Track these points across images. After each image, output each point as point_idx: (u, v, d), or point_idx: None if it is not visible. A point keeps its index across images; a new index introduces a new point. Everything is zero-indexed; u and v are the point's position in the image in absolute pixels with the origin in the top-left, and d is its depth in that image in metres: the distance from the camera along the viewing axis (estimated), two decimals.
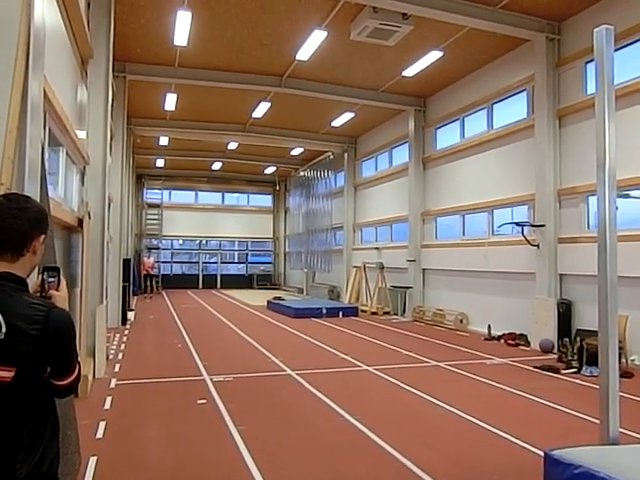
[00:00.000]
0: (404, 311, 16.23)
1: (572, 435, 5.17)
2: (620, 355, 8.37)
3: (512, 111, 12.43)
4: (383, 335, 12.25)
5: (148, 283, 23.07)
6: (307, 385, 7.21)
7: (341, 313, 16.05)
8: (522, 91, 12.01)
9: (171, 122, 18.46)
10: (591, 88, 9.91)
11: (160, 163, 25.78)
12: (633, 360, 8.68)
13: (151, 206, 28.65)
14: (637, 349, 8.75)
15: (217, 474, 4.29)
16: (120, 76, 13.23)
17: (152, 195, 28.79)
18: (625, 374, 8.04)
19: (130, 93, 14.30)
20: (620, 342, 8.02)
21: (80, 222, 7.18)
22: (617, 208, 3.60)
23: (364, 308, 17.40)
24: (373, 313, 16.80)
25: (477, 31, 10.87)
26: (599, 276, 3.62)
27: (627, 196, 3.54)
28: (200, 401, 6.33)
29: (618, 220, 3.65)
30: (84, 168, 8.23)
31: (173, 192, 29.43)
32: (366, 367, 8.48)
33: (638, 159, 8.77)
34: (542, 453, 3.50)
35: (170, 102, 15.99)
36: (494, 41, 11.54)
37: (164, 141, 21.03)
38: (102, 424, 5.34)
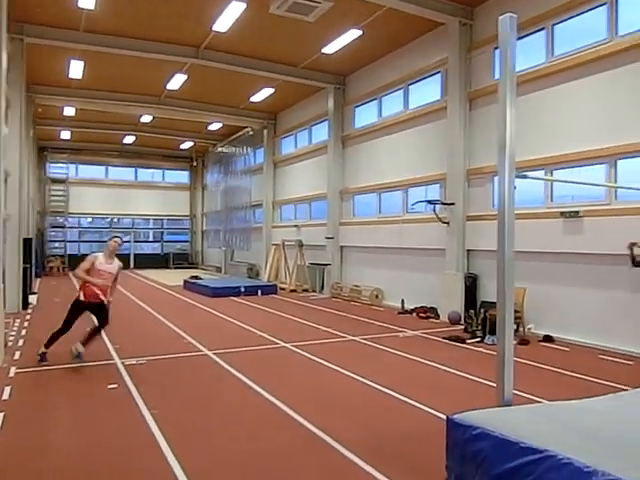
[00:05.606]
0: (322, 288, 16.50)
1: (475, 400, 5.53)
2: (518, 325, 9.08)
3: (427, 92, 12.80)
4: (301, 312, 12.39)
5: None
6: (224, 364, 7.15)
7: (260, 291, 16.02)
8: (436, 73, 12.39)
9: (77, 91, 17.17)
10: (498, 73, 10.40)
11: (65, 135, 23.99)
12: (530, 328, 9.43)
13: (55, 181, 26.73)
14: (534, 318, 9.51)
15: (129, 460, 4.14)
16: (17, 38, 12.02)
17: (56, 170, 26.83)
18: (522, 341, 8.73)
19: (30, 58, 13.13)
20: (518, 312, 8.69)
21: None
22: (515, 188, 3.82)
23: (283, 286, 17.49)
24: (292, 290, 16.93)
25: (395, 12, 10.99)
26: (498, 251, 3.85)
27: (525, 177, 3.79)
28: (110, 386, 6.07)
29: (517, 199, 3.87)
30: None
31: (80, 167, 27.59)
32: (284, 344, 8.54)
33: (537, 143, 9.42)
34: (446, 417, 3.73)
35: (75, 70, 14.85)
36: (411, 22, 11.76)
37: (69, 111, 19.59)
38: (0, 416, 4.97)
